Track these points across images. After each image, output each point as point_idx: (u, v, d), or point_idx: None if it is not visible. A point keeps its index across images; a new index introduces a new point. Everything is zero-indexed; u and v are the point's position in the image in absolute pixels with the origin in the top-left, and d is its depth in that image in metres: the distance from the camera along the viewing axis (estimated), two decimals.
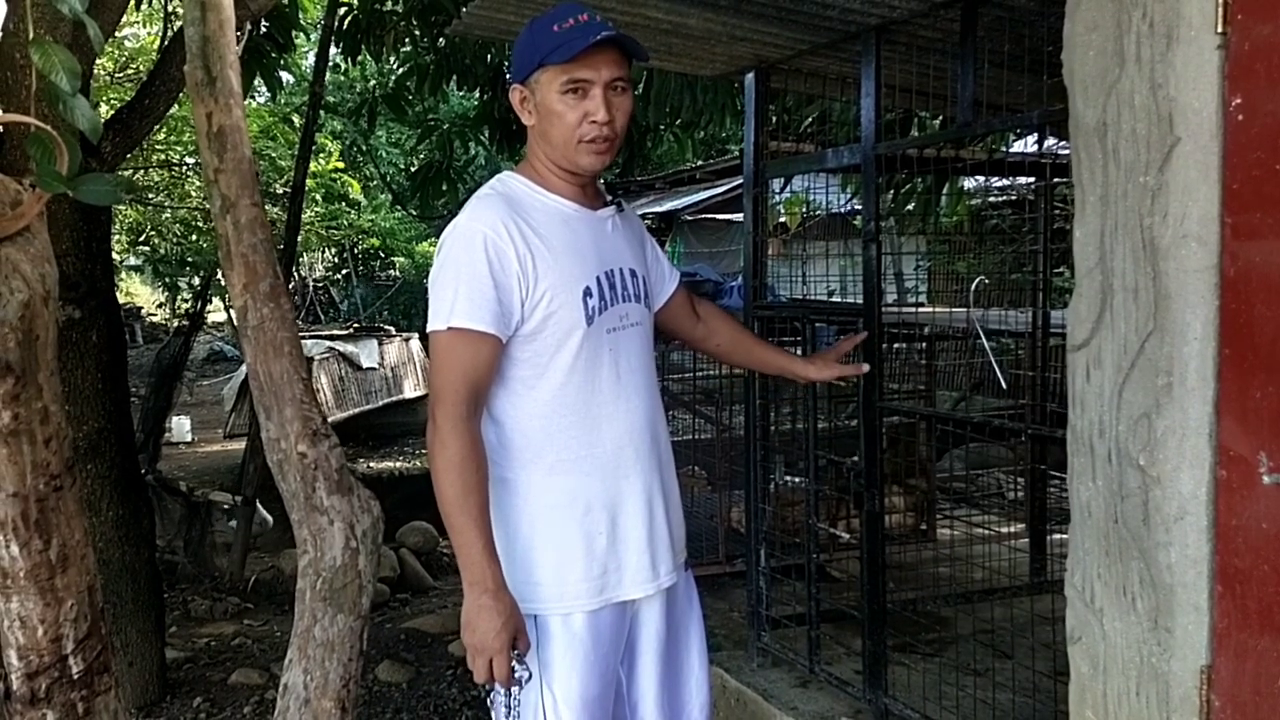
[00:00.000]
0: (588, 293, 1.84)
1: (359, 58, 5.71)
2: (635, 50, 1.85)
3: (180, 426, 11.26)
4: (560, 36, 1.76)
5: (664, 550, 1.94)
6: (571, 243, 1.85)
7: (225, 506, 6.26)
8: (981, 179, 5.45)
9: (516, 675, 1.76)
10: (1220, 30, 1.52)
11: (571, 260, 1.83)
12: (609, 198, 1.99)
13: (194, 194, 10.51)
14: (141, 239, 14.80)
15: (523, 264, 1.77)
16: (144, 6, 6.03)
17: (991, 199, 6.69)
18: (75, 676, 1.67)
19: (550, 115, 1.81)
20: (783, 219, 6.99)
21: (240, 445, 7.66)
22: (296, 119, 10.67)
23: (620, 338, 1.90)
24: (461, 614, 1.75)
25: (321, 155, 13.18)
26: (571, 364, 1.83)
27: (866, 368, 2.59)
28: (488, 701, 1.88)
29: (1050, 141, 3.97)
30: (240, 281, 2.08)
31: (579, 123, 1.80)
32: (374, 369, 12.33)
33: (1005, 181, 5.38)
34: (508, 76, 1.72)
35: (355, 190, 15.75)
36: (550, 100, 1.80)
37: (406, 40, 5.48)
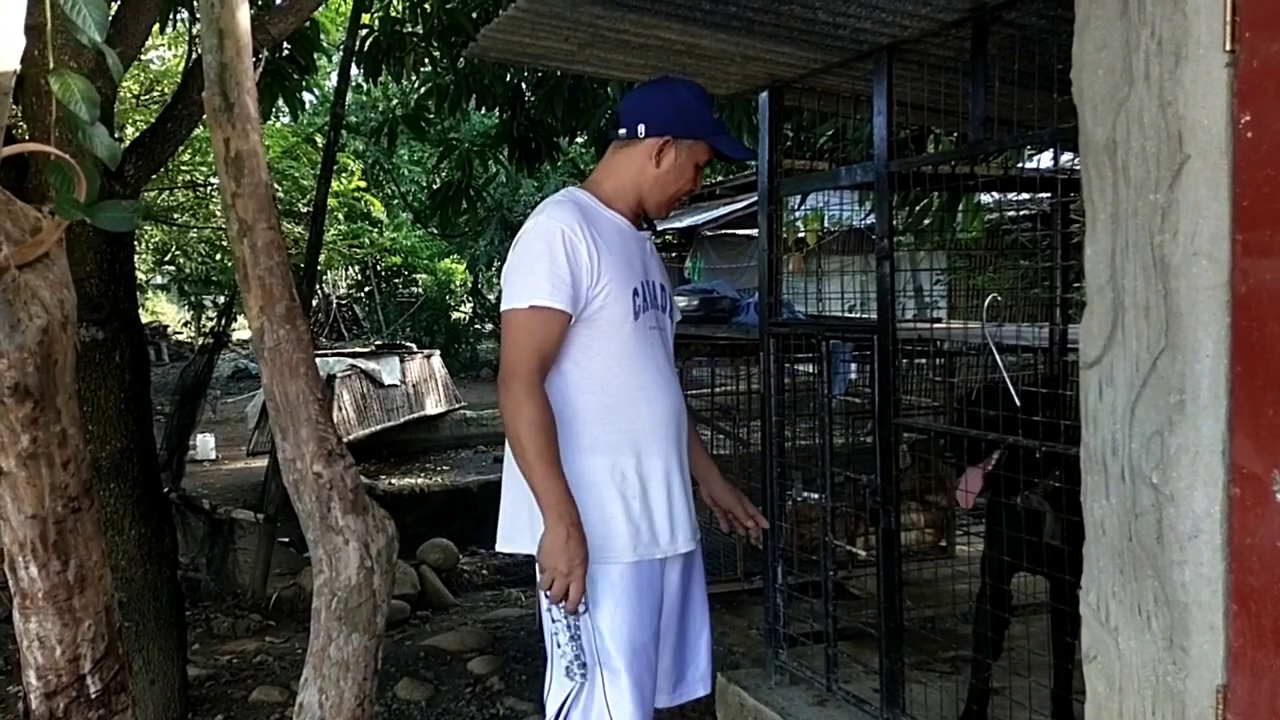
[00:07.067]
0: (635, 292, 2.15)
1: (380, 78, 5.77)
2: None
3: (204, 444, 11.34)
4: (720, 126, 2.22)
5: (684, 520, 2.18)
6: (624, 251, 2.17)
7: (246, 523, 6.29)
8: (998, 194, 5.42)
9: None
10: (1229, 48, 1.51)
11: (624, 264, 2.14)
12: (644, 225, 2.30)
13: (218, 214, 10.62)
14: (167, 258, 14.99)
15: (591, 258, 2.07)
16: (169, 30, 6.11)
17: (1011, 214, 6.64)
18: (93, 696, 1.68)
19: (680, 174, 2.20)
20: (801, 234, 6.98)
21: (263, 462, 7.70)
22: (319, 139, 10.78)
23: (655, 335, 2.20)
24: (543, 543, 1.99)
25: (344, 174, 13.30)
26: (619, 350, 2.12)
27: (745, 535, 2.48)
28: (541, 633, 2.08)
29: (1067, 157, 3.94)
30: (257, 304, 2.10)
31: (685, 189, 2.24)
32: (396, 386, 12.40)
33: (1024, 196, 5.35)
34: (643, 128, 2.18)
35: (377, 209, 15.88)
36: (686, 165, 2.20)
37: (426, 61, 5.52)
